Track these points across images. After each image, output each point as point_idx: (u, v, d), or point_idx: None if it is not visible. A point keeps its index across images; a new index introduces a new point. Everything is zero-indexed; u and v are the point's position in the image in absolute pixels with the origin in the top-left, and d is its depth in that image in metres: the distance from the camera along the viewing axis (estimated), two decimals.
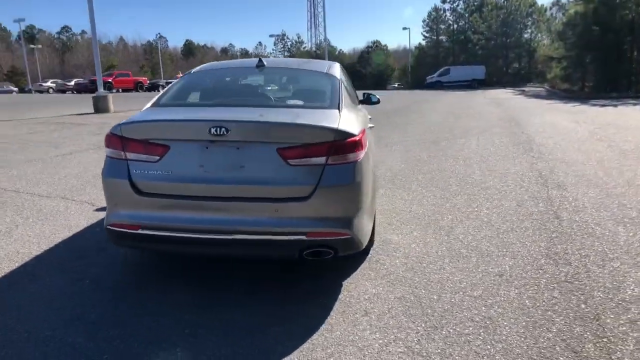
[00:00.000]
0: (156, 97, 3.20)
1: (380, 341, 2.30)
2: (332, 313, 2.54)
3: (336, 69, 3.65)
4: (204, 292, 2.82)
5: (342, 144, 2.50)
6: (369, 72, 65.96)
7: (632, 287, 2.82)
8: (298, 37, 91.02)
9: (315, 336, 2.33)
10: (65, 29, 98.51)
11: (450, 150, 7.91)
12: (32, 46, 65.10)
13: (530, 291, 2.81)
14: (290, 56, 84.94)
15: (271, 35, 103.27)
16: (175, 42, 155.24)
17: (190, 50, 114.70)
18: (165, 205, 2.52)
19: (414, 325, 2.44)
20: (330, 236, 2.47)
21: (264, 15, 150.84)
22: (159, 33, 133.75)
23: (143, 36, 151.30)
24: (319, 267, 3.11)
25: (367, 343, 2.28)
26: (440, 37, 65.07)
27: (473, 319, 2.50)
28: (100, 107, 15.31)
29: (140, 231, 2.54)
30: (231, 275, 3.07)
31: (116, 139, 2.57)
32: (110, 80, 38.20)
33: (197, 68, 3.94)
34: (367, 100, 4.78)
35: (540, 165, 6.48)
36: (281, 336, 2.33)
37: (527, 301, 2.68)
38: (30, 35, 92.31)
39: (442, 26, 64.54)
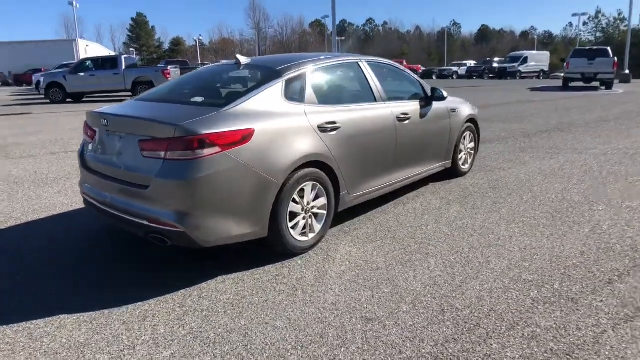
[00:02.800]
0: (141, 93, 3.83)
1: None
2: None
3: (293, 67, 3.37)
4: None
5: (181, 141, 2.62)
6: None
7: None
8: (619, 14, 75.02)
9: None
10: (369, 20, 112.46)
11: None
12: (337, 39, 77.83)
13: None
14: (605, 39, 71.18)
15: (575, 15, 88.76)
16: (471, 28, 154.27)
17: (484, 36, 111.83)
18: (88, 178, 3.26)
19: None
20: (164, 226, 2.69)
21: None
22: (454, 20, 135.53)
23: (438, 23, 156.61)
24: None
25: None
26: None
27: None
28: None
29: (84, 197, 3.37)
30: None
31: (84, 123, 3.49)
32: None
33: (202, 67, 4.33)
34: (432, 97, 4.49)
35: None
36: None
37: None
38: (342, 28, 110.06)
39: None
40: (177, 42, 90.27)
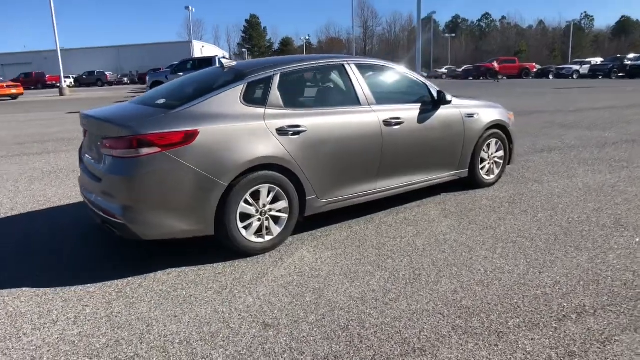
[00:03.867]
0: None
1: None
2: None
3: (259, 71, 3.46)
4: None
5: (124, 140, 2.90)
6: None
7: None
8: None
9: None
10: (486, 15, 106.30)
11: None
12: (446, 35, 75.00)
13: None
14: None
15: None
16: (607, 21, 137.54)
17: (624, 28, 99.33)
18: (81, 172, 3.64)
19: None
20: (112, 217, 2.99)
21: None
22: (585, 12, 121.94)
23: (565, 17, 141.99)
24: None
25: None
26: None
27: None
28: None
29: (80, 189, 3.72)
30: None
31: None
32: (493, 66, 39.56)
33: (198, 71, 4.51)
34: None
35: None
36: None
37: None
38: (454, 25, 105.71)
39: None
40: (286, 43, 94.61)
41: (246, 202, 3.22)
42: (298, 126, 3.40)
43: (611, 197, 4.47)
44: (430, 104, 4.25)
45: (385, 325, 2.42)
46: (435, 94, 4.28)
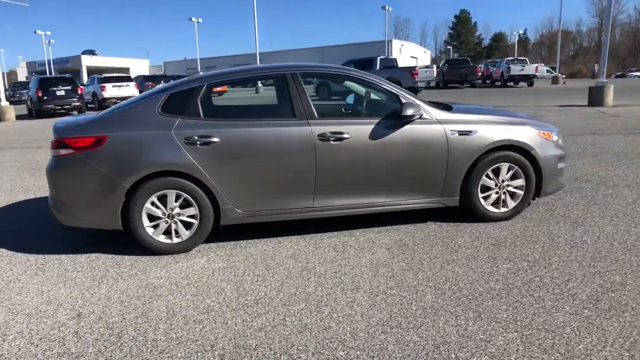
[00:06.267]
0: None
1: None
2: None
3: (186, 83, 3.75)
4: None
5: (53, 141, 3.55)
6: None
7: None
8: None
9: None
10: None
11: None
12: None
13: None
14: None
15: None
16: None
17: None
18: None
19: None
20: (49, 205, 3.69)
21: None
22: None
23: None
24: None
25: None
26: None
27: None
28: (593, 98, 13.85)
29: None
30: None
31: None
32: None
33: None
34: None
35: None
36: None
37: None
38: None
39: None
40: (497, 38, 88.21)
41: (153, 204, 3.51)
42: (209, 137, 3.50)
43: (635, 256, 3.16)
44: (396, 118, 3.74)
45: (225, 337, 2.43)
46: (411, 109, 3.73)
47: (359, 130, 3.69)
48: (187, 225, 3.61)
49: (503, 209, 4.04)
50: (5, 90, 34.09)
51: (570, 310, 2.60)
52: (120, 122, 3.56)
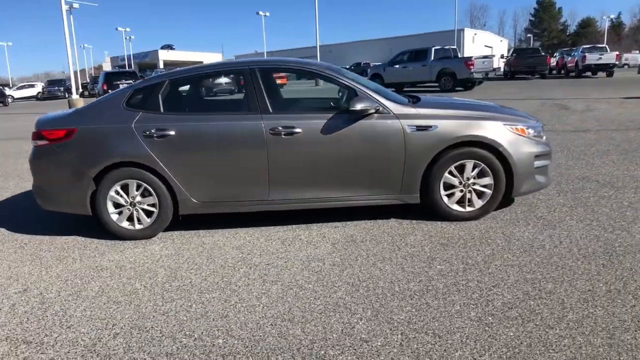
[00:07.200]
0: None
1: None
2: None
3: (150, 79, 3.94)
4: None
5: (32, 133, 3.91)
6: None
7: None
8: None
9: None
10: None
11: None
12: None
13: None
14: None
15: None
16: None
17: None
18: None
19: None
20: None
21: None
22: None
23: None
24: None
25: None
26: None
27: None
28: None
29: None
30: None
31: None
32: None
33: None
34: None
35: None
36: None
37: None
38: None
39: None
40: (585, 24, 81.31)
41: (117, 192, 3.79)
42: (165, 130, 3.70)
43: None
44: (349, 113, 3.69)
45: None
46: (360, 103, 3.66)
47: (311, 124, 3.70)
48: (149, 214, 3.85)
49: (469, 209, 3.85)
50: (87, 84, 37.46)
51: (475, 316, 2.47)
52: (90, 116, 3.87)
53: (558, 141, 7.13)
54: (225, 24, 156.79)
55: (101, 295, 2.96)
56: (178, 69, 4.19)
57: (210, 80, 4.38)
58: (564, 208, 4.08)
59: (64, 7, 21.25)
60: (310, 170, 3.75)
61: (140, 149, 3.71)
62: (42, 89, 37.36)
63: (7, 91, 34.50)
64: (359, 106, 3.62)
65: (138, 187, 3.79)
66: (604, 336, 2.24)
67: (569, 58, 28.03)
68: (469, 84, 18.35)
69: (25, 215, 4.80)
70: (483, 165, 3.75)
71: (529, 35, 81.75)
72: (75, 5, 32.50)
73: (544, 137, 4.06)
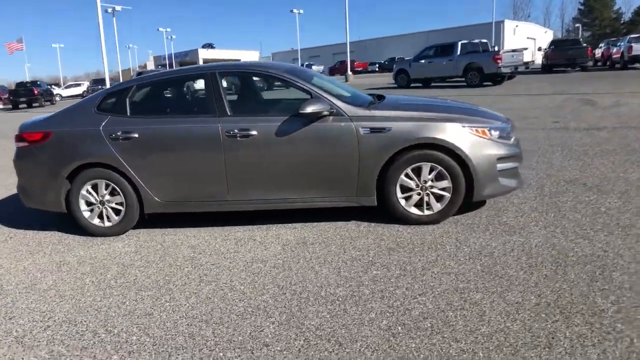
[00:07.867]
0: None
1: None
2: None
3: (121, 84, 4.16)
4: None
5: (15, 135, 4.16)
6: None
7: None
8: None
9: None
10: None
11: None
12: None
13: None
14: None
15: None
16: None
17: None
18: None
19: None
20: None
21: None
22: None
23: None
24: None
25: None
26: None
27: None
28: None
29: None
30: None
31: None
32: None
33: None
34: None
35: None
36: None
37: None
38: None
39: None
40: None
41: (88, 191, 3.98)
42: (129, 132, 3.84)
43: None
44: (302, 115, 3.69)
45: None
46: (313, 106, 3.65)
47: (266, 127, 3.73)
48: (117, 212, 4.02)
49: (427, 212, 3.77)
50: None
51: (385, 325, 2.44)
52: (65, 120, 4.09)
53: (563, 140, 6.79)
54: (263, 22, 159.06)
55: (51, 289, 3.13)
56: (149, 74, 4.36)
57: (185, 84, 4.49)
58: (533, 213, 3.91)
59: (100, 10, 22.28)
60: (267, 172, 3.79)
61: (107, 151, 3.87)
62: (87, 87, 39.25)
63: (56, 90, 36.54)
64: (309, 109, 3.61)
65: (107, 186, 3.96)
66: (507, 352, 2.17)
67: (615, 49, 26.44)
68: (497, 78, 17.72)
69: (24, 211, 5.10)
70: (440, 167, 3.65)
71: (577, 25, 77.59)
72: (118, 8, 33.97)
73: (513, 139, 3.90)
